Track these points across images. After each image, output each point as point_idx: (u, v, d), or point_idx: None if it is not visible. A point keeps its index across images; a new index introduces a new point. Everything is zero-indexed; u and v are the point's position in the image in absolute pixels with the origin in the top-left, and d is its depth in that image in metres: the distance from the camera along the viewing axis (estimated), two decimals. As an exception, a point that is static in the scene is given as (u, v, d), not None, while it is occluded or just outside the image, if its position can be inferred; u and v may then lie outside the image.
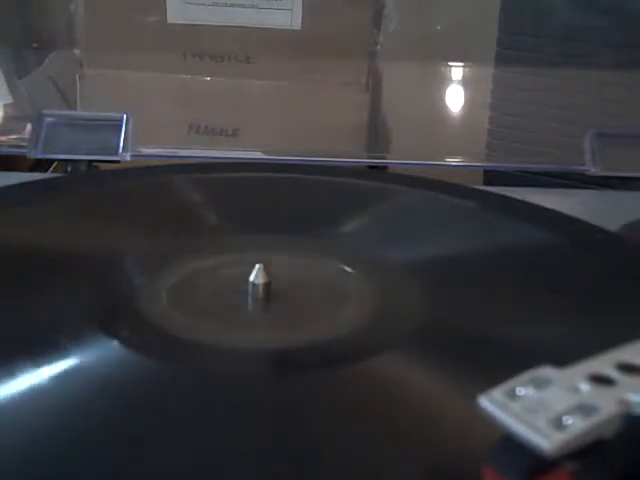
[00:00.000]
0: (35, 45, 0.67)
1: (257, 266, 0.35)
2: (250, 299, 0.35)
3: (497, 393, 0.22)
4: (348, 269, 0.38)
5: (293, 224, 0.42)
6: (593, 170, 0.55)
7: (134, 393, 0.29)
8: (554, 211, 0.44)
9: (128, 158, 0.55)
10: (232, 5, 0.62)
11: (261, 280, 0.35)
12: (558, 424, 0.21)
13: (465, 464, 0.24)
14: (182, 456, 0.25)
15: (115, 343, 0.31)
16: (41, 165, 0.59)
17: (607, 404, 0.22)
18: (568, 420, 0.21)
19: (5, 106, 0.66)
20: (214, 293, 0.36)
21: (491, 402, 0.22)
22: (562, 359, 0.24)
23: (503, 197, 0.46)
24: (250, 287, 0.35)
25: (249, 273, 0.35)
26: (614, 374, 0.23)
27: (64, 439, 0.26)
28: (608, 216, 0.44)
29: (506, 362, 0.24)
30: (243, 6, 0.62)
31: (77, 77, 0.65)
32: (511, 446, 0.21)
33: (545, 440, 0.21)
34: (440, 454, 0.26)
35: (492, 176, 0.65)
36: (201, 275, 0.37)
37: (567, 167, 0.58)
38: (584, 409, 0.22)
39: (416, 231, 0.42)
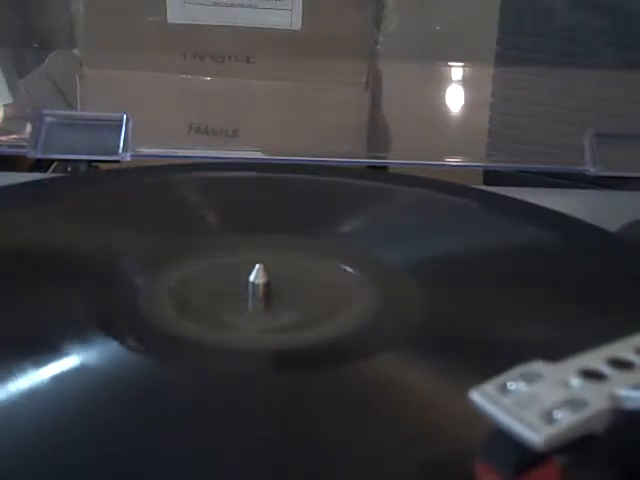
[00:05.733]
0: (35, 45, 0.67)
1: (257, 266, 0.35)
2: (250, 299, 0.35)
3: (488, 387, 0.22)
4: (348, 269, 0.38)
5: (293, 224, 0.42)
6: (593, 170, 0.55)
7: (134, 393, 0.29)
8: (553, 211, 0.44)
9: (128, 158, 0.54)
10: (232, 5, 0.62)
11: (261, 280, 0.35)
12: (548, 418, 0.21)
13: (465, 461, 0.24)
14: (182, 456, 0.25)
15: (115, 343, 0.31)
16: (41, 165, 0.59)
17: (597, 399, 0.22)
18: (558, 414, 0.21)
19: (5, 106, 0.66)
20: (214, 293, 0.36)
21: (482, 396, 0.22)
22: (561, 359, 0.24)
23: (503, 197, 0.46)
24: (250, 287, 0.35)
25: (249, 273, 0.35)
26: (605, 369, 0.23)
27: (64, 439, 0.26)
28: (608, 216, 0.44)
29: (505, 362, 0.24)
30: (243, 6, 0.62)
31: (77, 77, 0.65)
32: (502, 440, 0.22)
33: (535, 434, 0.21)
34: (439, 452, 0.26)
35: (492, 176, 0.65)
36: (201, 275, 0.37)
37: (567, 167, 0.58)
38: (574, 403, 0.22)
39: (416, 231, 0.42)
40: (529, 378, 0.23)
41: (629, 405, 0.22)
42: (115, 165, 0.54)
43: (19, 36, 0.68)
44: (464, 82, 0.71)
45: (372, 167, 0.61)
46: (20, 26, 0.68)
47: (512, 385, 0.23)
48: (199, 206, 0.45)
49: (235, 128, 0.65)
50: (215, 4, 0.62)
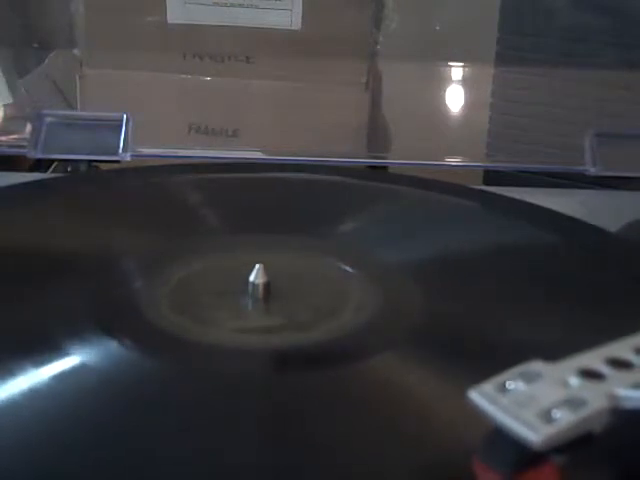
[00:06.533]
0: (35, 45, 0.67)
1: (257, 266, 0.35)
2: (250, 299, 0.35)
3: (487, 386, 0.22)
4: (348, 269, 0.38)
5: (293, 224, 0.42)
6: (593, 170, 0.55)
7: (133, 393, 0.29)
8: (553, 211, 0.44)
9: (128, 158, 0.54)
10: (232, 5, 0.62)
11: (261, 280, 0.35)
12: (547, 417, 0.21)
13: (464, 461, 0.24)
14: (182, 456, 0.25)
15: (115, 343, 0.31)
16: (41, 165, 0.59)
17: (596, 398, 0.22)
18: (557, 414, 0.21)
19: (5, 106, 0.66)
20: (214, 293, 0.36)
21: (481, 395, 0.22)
22: (560, 358, 0.24)
23: (502, 197, 0.46)
24: (250, 287, 0.35)
25: (249, 273, 0.35)
26: (604, 369, 0.23)
27: (63, 438, 0.26)
28: (608, 216, 0.44)
29: (505, 361, 0.24)
30: (243, 6, 0.62)
31: (77, 77, 0.65)
32: (500, 439, 0.22)
33: (533, 433, 0.21)
34: (439, 452, 0.26)
35: (492, 176, 0.65)
36: (201, 275, 0.37)
37: (567, 167, 0.58)
38: (573, 403, 0.22)
39: (416, 231, 0.42)
40: (528, 377, 0.23)
41: (628, 405, 0.22)
42: (115, 165, 0.54)
43: (19, 36, 0.68)
44: (464, 82, 0.71)
45: (372, 167, 0.61)
46: (20, 26, 0.68)
47: (511, 384, 0.23)
48: (199, 206, 0.45)
49: (235, 128, 0.65)
50: (215, 4, 0.62)
